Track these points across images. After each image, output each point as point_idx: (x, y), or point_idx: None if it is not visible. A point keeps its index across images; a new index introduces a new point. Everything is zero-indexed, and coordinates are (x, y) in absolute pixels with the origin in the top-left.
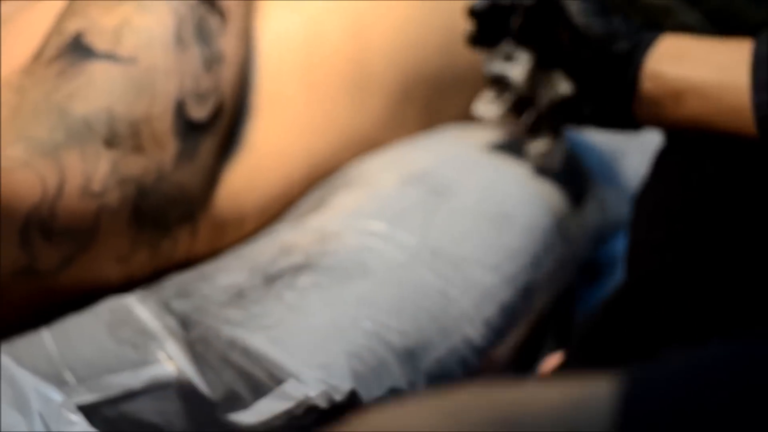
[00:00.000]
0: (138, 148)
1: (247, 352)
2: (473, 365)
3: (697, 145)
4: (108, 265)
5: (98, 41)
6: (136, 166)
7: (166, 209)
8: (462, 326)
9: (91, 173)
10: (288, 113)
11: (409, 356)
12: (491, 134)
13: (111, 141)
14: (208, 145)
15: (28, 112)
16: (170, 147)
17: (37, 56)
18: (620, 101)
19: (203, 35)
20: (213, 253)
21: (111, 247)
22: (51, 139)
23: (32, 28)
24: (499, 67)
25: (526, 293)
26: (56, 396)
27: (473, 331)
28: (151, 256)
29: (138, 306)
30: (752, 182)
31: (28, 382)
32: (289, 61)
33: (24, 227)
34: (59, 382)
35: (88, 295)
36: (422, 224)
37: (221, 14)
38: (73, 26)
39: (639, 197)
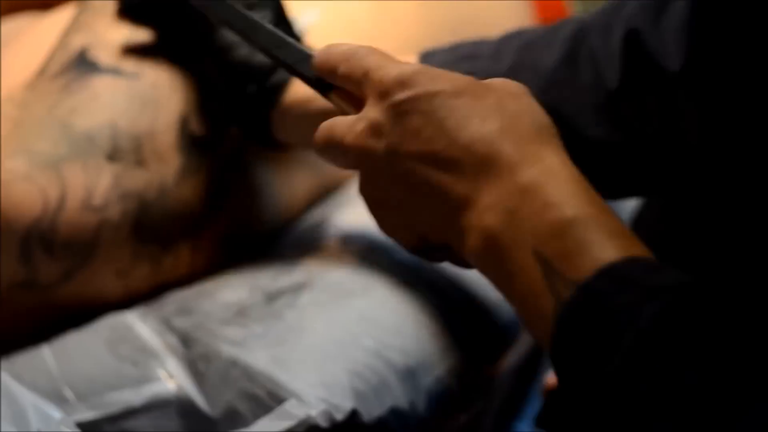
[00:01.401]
0: (140, 162)
1: (247, 370)
2: (472, 384)
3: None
4: (108, 279)
5: (103, 56)
6: (138, 180)
7: (168, 224)
8: (463, 345)
9: (92, 187)
10: None
11: (410, 374)
12: None
13: (113, 155)
14: (212, 161)
15: (31, 125)
16: (173, 162)
17: (42, 71)
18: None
19: None
20: (215, 269)
21: (111, 262)
22: (53, 153)
23: (36, 43)
24: None
25: None
26: (55, 413)
27: (474, 350)
28: (151, 271)
29: (138, 323)
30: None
31: (27, 399)
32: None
33: (24, 240)
34: (59, 399)
35: (89, 310)
36: None
37: None
38: (78, 41)
39: (635, 220)
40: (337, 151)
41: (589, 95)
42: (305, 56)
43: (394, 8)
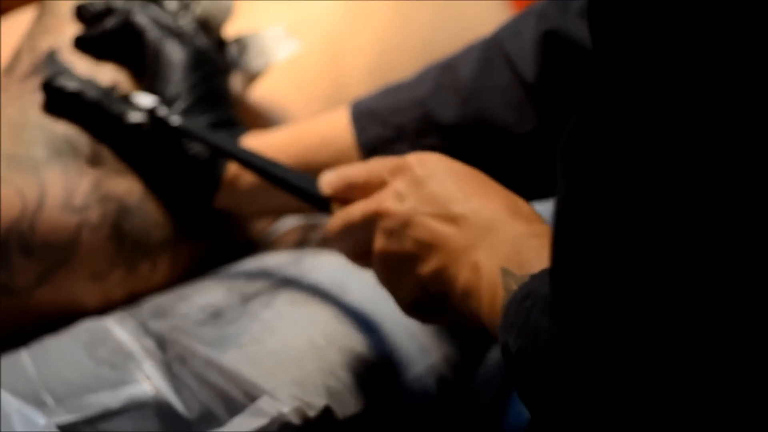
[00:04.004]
0: (122, 170)
1: (222, 370)
2: (451, 383)
3: None
4: (84, 283)
5: (75, 60)
6: (119, 185)
7: (148, 231)
8: (441, 344)
9: (72, 188)
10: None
11: (387, 373)
12: None
13: (94, 161)
14: None
15: (5, 128)
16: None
17: (8, 71)
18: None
19: None
20: (193, 275)
21: (89, 265)
22: (31, 155)
23: None
24: None
25: None
26: (39, 419)
27: (452, 349)
28: (128, 276)
29: (116, 326)
30: None
31: (11, 404)
32: (269, 87)
33: (3, 244)
34: (38, 403)
35: (65, 315)
36: None
37: None
38: (45, 43)
39: None
40: (354, 226)
41: (509, 95)
42: (312, 180)
43: (368, 9)
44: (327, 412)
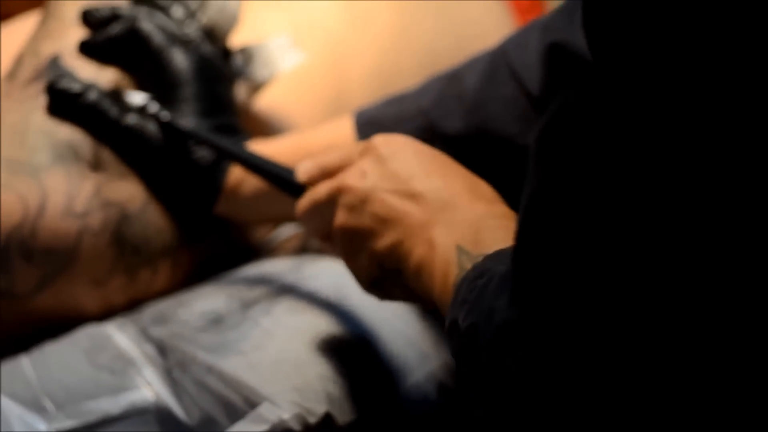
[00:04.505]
0: (124, 174)
1: (223, 376)
2: (450, 389)
3: None
4: (85, 289)
5: (78, 66)
6: (121, 191)
7: (149, 238)
8: (441, 351)
9: (74, 194)
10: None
11: (387, 380)
12: None
13: (97, 165)
14: None
15: (7, 133)
16: None
17: (11, 77)
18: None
19: None
20: (193, 282)
21: (89, 270)
22: (33, 161)
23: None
24: None
25: None
26: (39, 425)
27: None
28: (128, 283)
29: (116, 332)
30: None
31: (12, 410)
32: (272, 94)
33: (4, 249)
34: (38, 409)
35: (65, 321)
36: None
37: None
38: (48, 48)
39: None
40: (319, 204)
41: (514, 107)
42: (289, 171)
43: (370, 16)
44: (327, 418)
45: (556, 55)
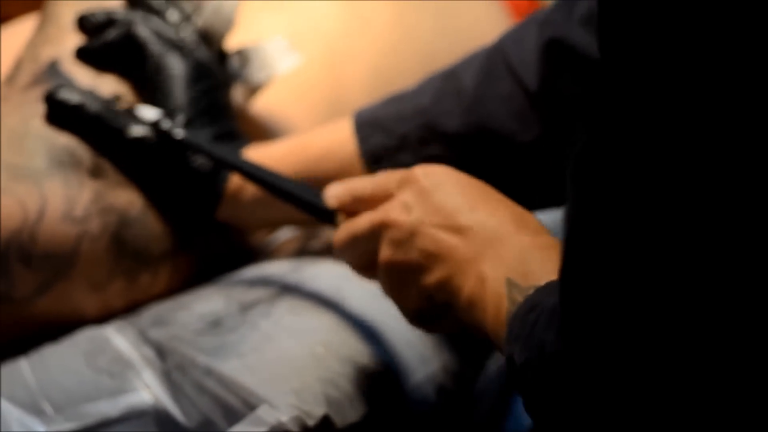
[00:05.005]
0: (123, 180)
1: (221, 379)
2: (450, 392)
3: None
4: (84, 293)
5: (79, 73)
6: (120, 197)
7: (148, 243)
8: (441, 353)
9: (73, 199)
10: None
11: (386, 382)
12: None
13: (96, 172)
14: None
15: (7, 138)
16: None
17: (9, 81)
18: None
19: None
20: (193, 284)
21: (88, 275)
22: (32, 166)
23: None
24: None
25: None
26: (38, 427)
27: (452, 358)
28: (128, 287)
29: (115, 335)
30: None
31: (11, 413)
32: (269, 97)
33: (3, 254)
34: (37, 412)
35: (64, 325)
36: None
37: None
38: (47, 53)
39: None
40: (361, 237)
41: (512, 104)
42: (317, 193)
43: (368, 17)
44: (326, 421)
45: (553, 50)
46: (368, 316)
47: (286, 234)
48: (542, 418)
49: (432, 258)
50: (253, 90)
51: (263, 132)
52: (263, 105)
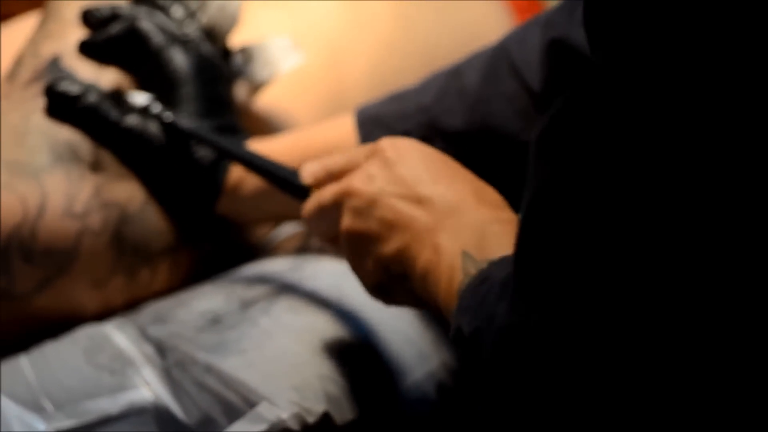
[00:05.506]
0: (124, 175)
1: (221, 376)
2: (450, 389)
3: None
4: (84, 289)
5: (78, 66)
6: (121, 192)
7: (148, 238)
8: (440, 350)
9: (74, 194)
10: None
11: (386, 380)
12: None
13: (96, 166)
14: None
15: (7, 134)
16: None
17: (10, 78)
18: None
19: None
20: (193, 281)
21: (89, 271)
22: (33, 161)
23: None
24: None
25: None
26: (39, 424)
27: (451, 355)
28: (128, 283)
29: (115, 332)
30: None
31: (11, 410)
32: (271, 94)
33: (4, 250)
34: (37, 409)
35: (64, 321)
36: None
37: None
38: (48, 49)
39: None
40: (325, 207)
41: (515, 103)
42: (295, 173)
43: (369, 15)
44: (326, 418)
45: (556, 51)
46: (368, 314)
47: (286, 231)
48: (487, 388)
49: (390, 227)
50: (256, 87)
51: (265, 128)
52: (265, 101)
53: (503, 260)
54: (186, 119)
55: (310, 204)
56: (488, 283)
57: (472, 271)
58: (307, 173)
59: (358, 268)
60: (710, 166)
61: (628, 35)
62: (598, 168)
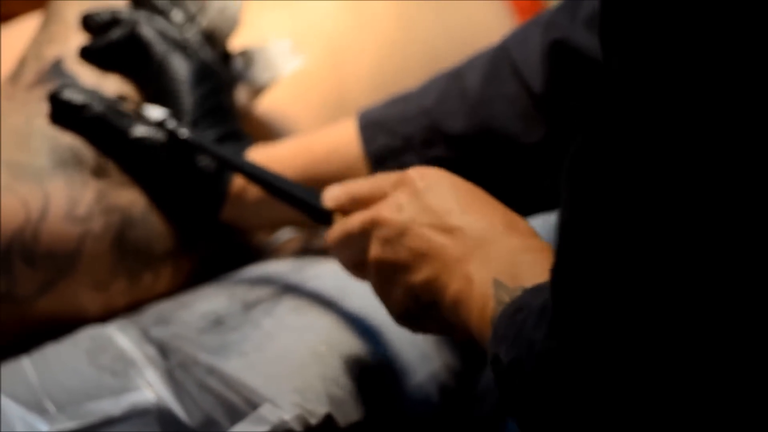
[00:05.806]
0: (127, 180)
1: (224, 377)
2: (452, 390)
3: None
4: (86, 292)
5: (83, 72)
6: (123, 197)
7: (151, 243)
8: (443, 352)
9: (76, 198)
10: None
11: (389, 381)
12: None
13: (99, 172)
14: None
15: (9, 136)
16: None
17: (13, 79)
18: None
19: None
20: (195, 283)
21: (91, 274)
22: (35, 164)
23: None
24: None
25: None
26: (41, 426)
27: (454, 356)
28: (130, 286)
29: (118, 334)
30: None
31: (14, 411)
32: (273, 97)
33: (6, 253)
34: (39, 410)
35: (66, 324)
36: None
37: None
38: (51, 52)
39: None
40: (353, 235)
41: (516, 105)
42: (316, 194)
43: (371, 17)
44: (328, 419)
45: (558, 52)
46: (370, 315)
47: (288, 233)
48: (527, 417)
49: (420, 257)
50: (257, 91)
51: (267, 131)
52: (266, 104)
53: (538, 287)
54: (199, 135)
55: (336, 231)
56: (524, 311)
57: (506, 299)
58: (330, 198)
59: (385, 297)
60: (738, 186)
61: (651, 40)
62: (625, 194)
